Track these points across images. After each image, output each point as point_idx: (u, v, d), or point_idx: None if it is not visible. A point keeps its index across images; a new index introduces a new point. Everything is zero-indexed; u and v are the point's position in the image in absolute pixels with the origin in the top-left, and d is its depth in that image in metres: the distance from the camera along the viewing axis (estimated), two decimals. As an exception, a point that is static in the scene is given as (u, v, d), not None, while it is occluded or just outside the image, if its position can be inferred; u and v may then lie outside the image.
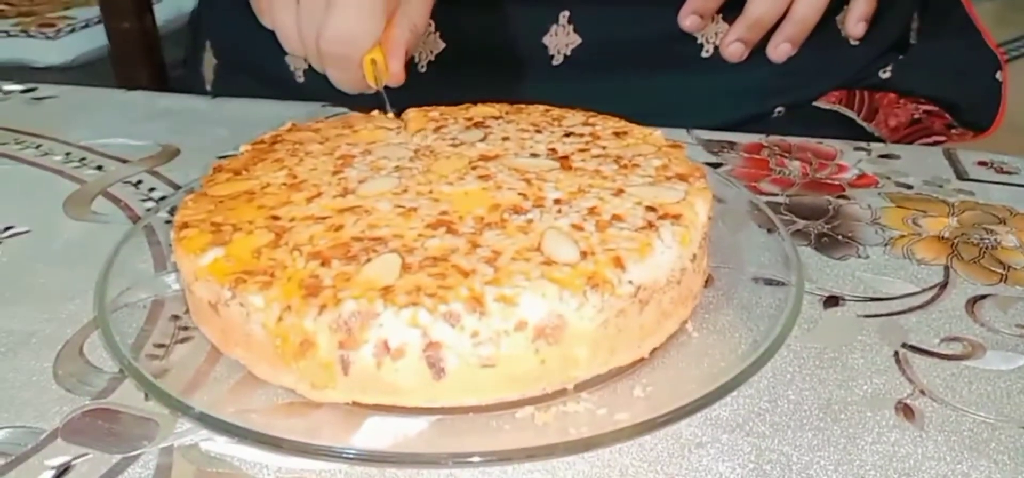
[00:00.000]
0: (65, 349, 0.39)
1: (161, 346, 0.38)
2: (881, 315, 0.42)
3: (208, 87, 0.82)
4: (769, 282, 0.43)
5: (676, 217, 0.38)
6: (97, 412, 0.36)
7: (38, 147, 0.62)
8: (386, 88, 0.51)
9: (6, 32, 1.37)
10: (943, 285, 0.45)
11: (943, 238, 0.49)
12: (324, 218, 0.39)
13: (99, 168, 0.58)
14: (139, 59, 1.05)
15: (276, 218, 0.40)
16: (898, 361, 0.39)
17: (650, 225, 0.38)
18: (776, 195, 0.54)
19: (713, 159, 0.59)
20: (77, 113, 0.68)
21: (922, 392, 0.37)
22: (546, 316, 0.34)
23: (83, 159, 0.60)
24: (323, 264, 0.36)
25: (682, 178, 0.42)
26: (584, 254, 0.36)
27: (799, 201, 0.54)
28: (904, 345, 0.40)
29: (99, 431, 0.35)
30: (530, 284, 0.34)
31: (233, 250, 0.37)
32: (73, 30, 1.39)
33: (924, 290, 0.44)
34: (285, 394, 0.36)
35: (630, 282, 0.35)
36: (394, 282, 0.35)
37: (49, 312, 0.42)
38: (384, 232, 0.38)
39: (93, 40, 1.36)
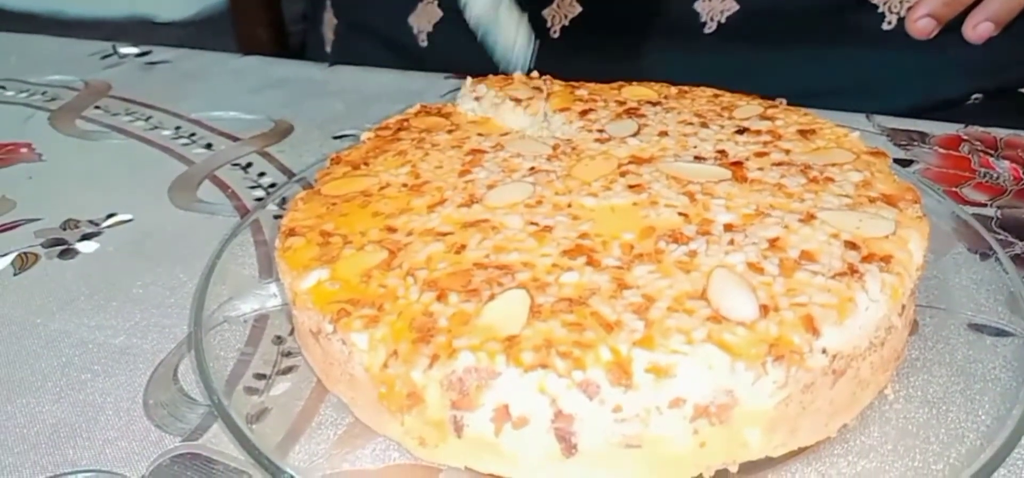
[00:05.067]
0: (157, 373, 0.33)
1: (261, 377, 0.31)
2: None
3: (328, 48, 0.75)
4: (993, 331, 0.32)
5: (885, 260, 0.27)
6: (187, 458, 0.29)
7: (148, 119, 0.56)
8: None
9: (132, -13, 1.34)
10: None
11: None
12: (445, 234, 0.31)
13: (208, 146, 0.51)
14: (258, 13, 0.98)
15: (392, 229, 0.31)
16: None
17: (851, 270, 0.27)
18: (984, 206, 0.42)
19: (901, 154, 0.47)
20: (190, 81, 0.62)
21: None
22: (711, 393, 0.24)
23: (193, 134, 0.53)
24: (439, 297, 0.28)
25: (889, 201, 0.30)
26: (765, 309, 0.26)
27: (1013, 215, 0.41)
28: None
29: (188, 484, 0.28)
30: (692, 350, 0.24)
31: (340, 270, 0.29)
32: (196, -16, 1.34)
33: None
34: (396, 450, 0.28)
35: (824, 351, 0.25)
36: (520, 331, 0.26)
37: (145, 322, 0.36)
38: (512, 258, 0.29)
39: (215, -6, 1.31)
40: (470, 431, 0.26)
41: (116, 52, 0.68)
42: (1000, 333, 0.32)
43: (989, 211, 0.41)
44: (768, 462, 0.27)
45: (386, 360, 0.26)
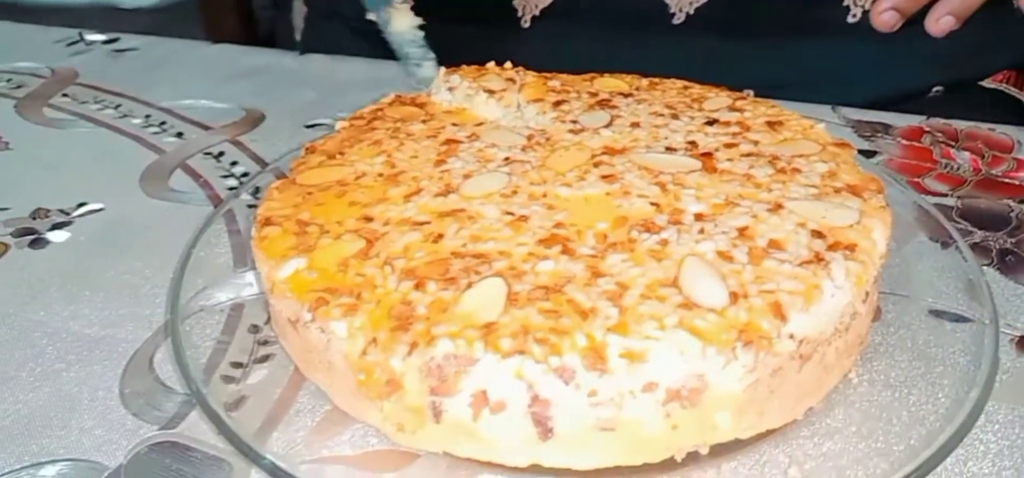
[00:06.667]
0: (133, 361, 0.33)
1: (238, 365, 0.31)
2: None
3: (297, 35, 0.75)
4: (952, 317, 0.33)
5: (849, 248, 0.28)
6: (165, 446, 0.29)
7: (117, 108, 0.55)
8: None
9: (97, -28, 1.30)
10: None
11: None
12: (422, 223, 0.31)
13: (179, 135, 0.51)
14: (226, 1, 0.97)
15: (369, 219, 0.32)
16: None
17: (817, 258, 0.28)
18: (945, 196, 0.43)
19: (865, 145, 0.48)
20: (159, 69, 0.61)
21: None
22: (683, 377, 0.25)
23: (163, 123, 0.53)
24: (417, 286, 0.28)
25: (854, 191, 0.31)
26: (734, 296, 0.26)
27: (973, 205, 0.42)
28: None
29: (166, 472, 0.28)
30: (664, 336, 0.25)
31: (317, 260, 0.30)
32: (163, -30, 1.31)
33: None
34: (374, 435, 0.29)
35: (791, 336, 0.26)
36: (497, 318, 0.26)
37: (118, 312, 0.36)
38: (489, 247, 0.29)
39: (182, -20, 1.28)
40: (448, 416, 0.26)
41: (83, 39, 0.67)
42: (959, 319, 0.33)
43: (950, 201, 0.43)
44: (737, 444, 0.27)
45: (365, 348, 0.27)
